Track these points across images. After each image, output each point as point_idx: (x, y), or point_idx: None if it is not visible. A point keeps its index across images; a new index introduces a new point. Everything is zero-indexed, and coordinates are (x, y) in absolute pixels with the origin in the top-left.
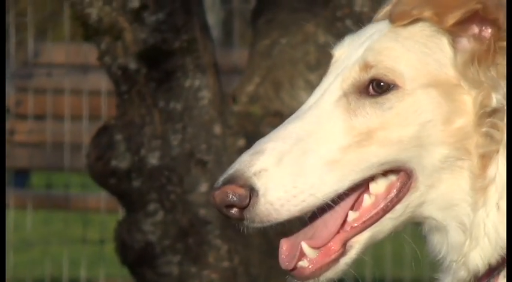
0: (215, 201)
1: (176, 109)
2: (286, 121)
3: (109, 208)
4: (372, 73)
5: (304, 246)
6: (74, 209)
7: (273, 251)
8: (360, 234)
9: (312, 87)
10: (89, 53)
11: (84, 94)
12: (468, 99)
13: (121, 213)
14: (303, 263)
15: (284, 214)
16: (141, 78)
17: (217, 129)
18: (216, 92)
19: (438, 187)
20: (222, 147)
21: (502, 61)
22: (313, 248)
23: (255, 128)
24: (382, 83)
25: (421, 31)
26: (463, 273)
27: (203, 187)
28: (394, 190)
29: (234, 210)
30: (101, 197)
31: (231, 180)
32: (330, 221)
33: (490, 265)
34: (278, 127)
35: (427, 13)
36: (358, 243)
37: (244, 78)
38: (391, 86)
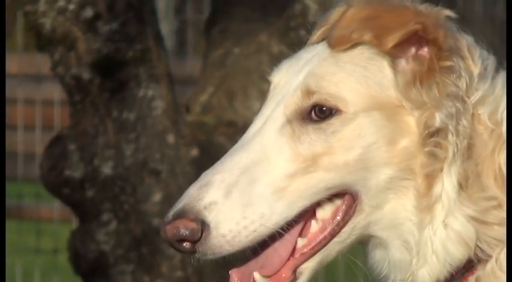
0: (167, 235)
1: (129, 119)
2: (230, 151)
3: (62, 218)
4: (314, 99)
5: (256, 275)
6: (27, 219)
7: (225, 260)
8: (309, 260)
9: (265, 97)
10: (42, 63)
11: (37, 104)
12: (411, 120)
13: (74, 223)
14: None
15: (236, 245)
16: (94, 88)
17: (170, 139)
18: (170, 102)
19: (383, 208)
20: (175, 157)
21: (445, 80)
22: (265, 276)
23: (208, 138)
24: (324, 108)
25: (360, 54)
26: None
27: (156, 197)
28: (340, 213)
29: (186, 244)
30: (54, 207)
31: (181, 215)
32: (280, 249)
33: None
34: (224, 157)
35: (366, 37)
36: (307, 269)
37: (197, 88)
38: (334, 111)
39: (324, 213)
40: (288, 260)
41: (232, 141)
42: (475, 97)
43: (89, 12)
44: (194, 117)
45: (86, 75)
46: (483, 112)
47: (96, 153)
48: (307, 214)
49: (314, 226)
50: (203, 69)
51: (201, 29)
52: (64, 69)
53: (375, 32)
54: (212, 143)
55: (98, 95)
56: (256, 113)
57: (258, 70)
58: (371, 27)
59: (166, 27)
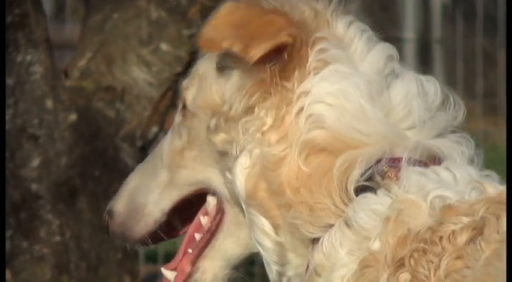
0: None
1: (8, 84)
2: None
3: None
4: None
5: (163, 270)
6: None
7: (104, 225)
8: (208, 259)
9: (144, 62)
10: None
11: None
12: None
13: None
14: None
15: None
16: None
17: (49, 104)
18: (48, 67)
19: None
20: (53, 121)
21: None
22: (170, 269)
23: (87, 103)
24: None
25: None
26: None
27: (35, 162)
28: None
29: None
30: None
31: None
32: (183, 244)
33: None
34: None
35: (235, 48)
36: (209, 270)
37: (76, 53)
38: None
39: (210, 208)
40: (186, 254)
41: (110, 106)
42: None
43: None
44: (73, 82)
45: None
46: None
47: None
48: (202, 211)
49: (202, 221)
50: (82, 34)
51: None
52: None
53: (244, 42)
54: (91, 108)
55: None
56: (134, 78)
57: (137, 35)
58: (241, 37)
59: None
